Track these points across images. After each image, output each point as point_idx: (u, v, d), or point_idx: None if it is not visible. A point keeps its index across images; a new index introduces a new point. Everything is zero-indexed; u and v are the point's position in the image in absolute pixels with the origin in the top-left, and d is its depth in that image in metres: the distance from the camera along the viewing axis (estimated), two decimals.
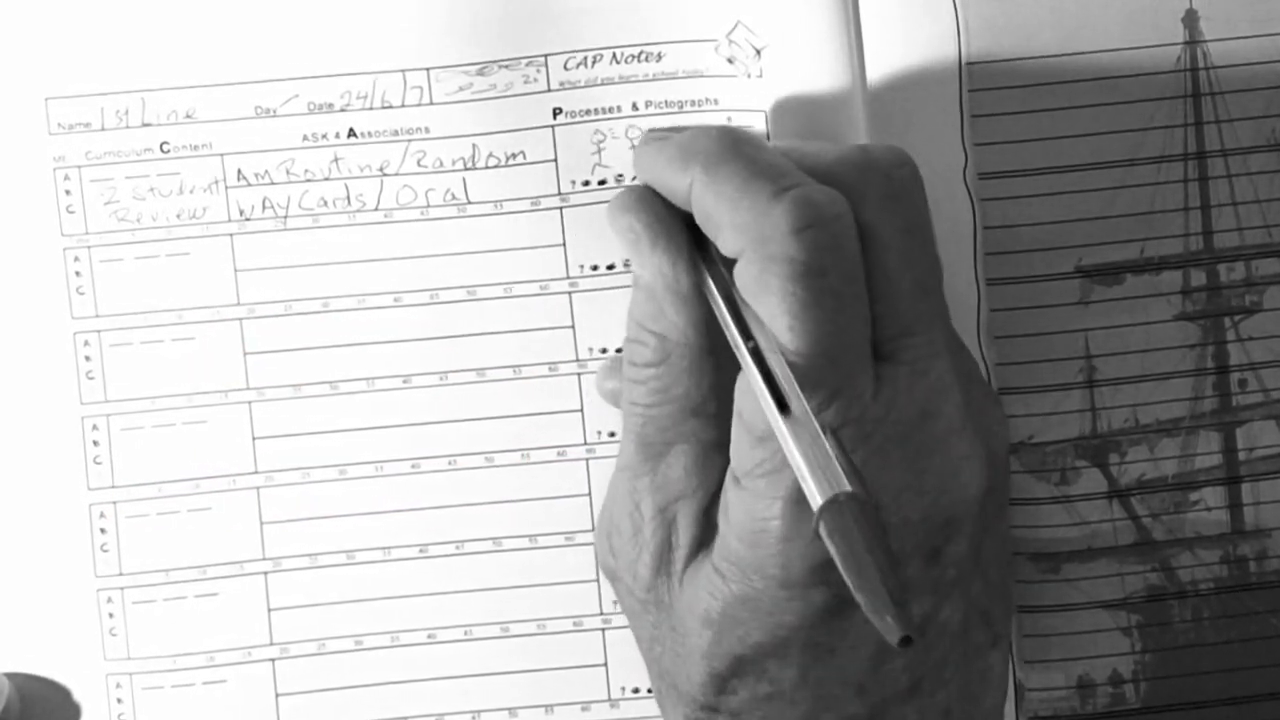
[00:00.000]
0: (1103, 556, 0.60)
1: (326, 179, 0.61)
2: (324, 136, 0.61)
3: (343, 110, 0.61)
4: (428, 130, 0.61)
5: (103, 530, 0.61)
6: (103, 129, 0.61)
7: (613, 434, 0.61)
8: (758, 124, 0.60)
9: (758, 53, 0.60)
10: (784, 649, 0.53)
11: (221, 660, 0.61)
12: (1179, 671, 0.60)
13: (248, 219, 0.61)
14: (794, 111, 0.59)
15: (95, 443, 0.61)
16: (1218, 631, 0.60)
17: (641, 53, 0.60)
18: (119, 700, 0.61)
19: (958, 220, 0.60)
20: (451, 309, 0.61)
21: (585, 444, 0.61)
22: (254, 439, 0.61)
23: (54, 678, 0.61)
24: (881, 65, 0.59)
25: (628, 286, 0.60)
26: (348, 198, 0.61)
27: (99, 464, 0.61)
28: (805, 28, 0.59)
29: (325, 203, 0.61)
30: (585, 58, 0.60)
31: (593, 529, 0.61)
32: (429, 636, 0.61)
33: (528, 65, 0.60)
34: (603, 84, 0.60)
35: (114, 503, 0.61)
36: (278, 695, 0.61)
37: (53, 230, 0.61)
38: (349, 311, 0.61)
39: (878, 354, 0.52)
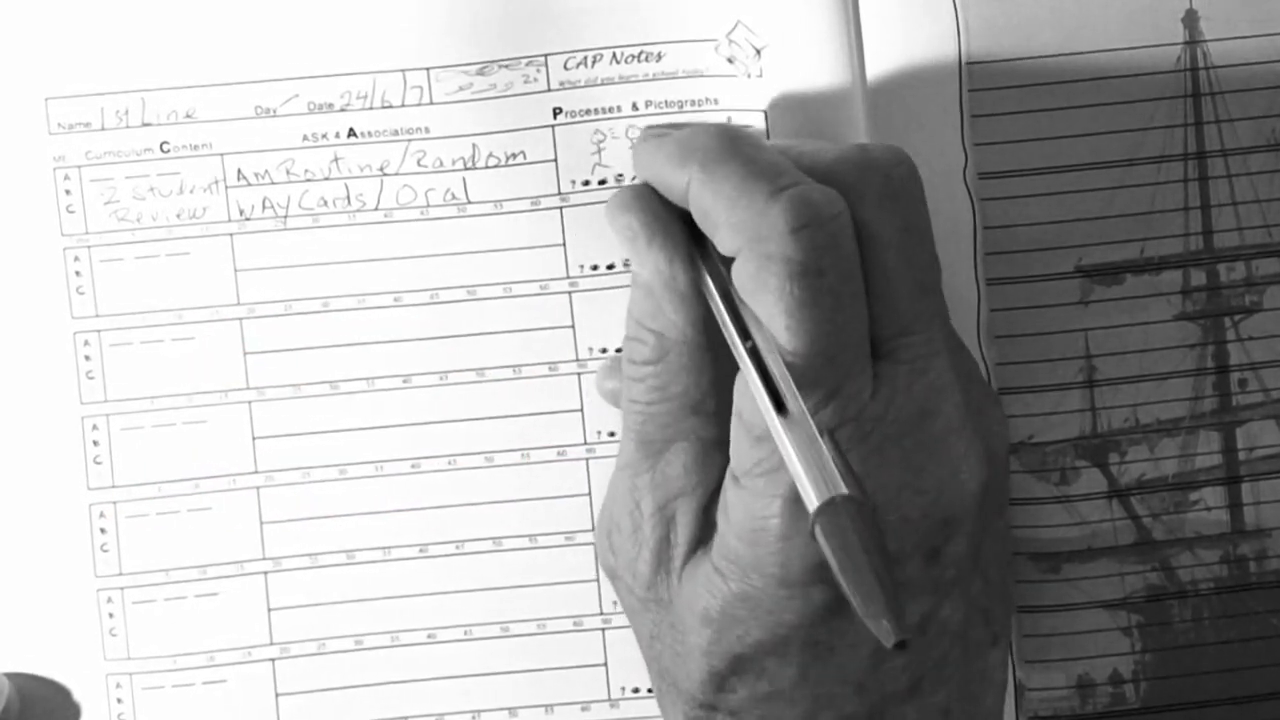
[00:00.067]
0: (1103, 556, 0.60)
1: (326, 179, 0.61)
2: (324, 136, 0.61)
3: (343, 110, 0.61)
4: (428, 130, 0.61)
5: (103, 530, 0.61)
6: (103, 129, 0.61)
7: (613, 434, 0.61)
8: (757, 124, 0.60)
9: (758, 52, 0.60)
10: (783, 647, 0.53)
11: (221, 660, 0.61)
12: (1179, 671, 0.60)
13: (248, 219, 0.61)
14: (794, 111, 0.59)
15: (95, 443, 0.61)
16: (1218, 631, 0.60)
17: (641, 53, 0.60)
18: (119, 700, 0.61)
19: (958, 220, 0.60)
20: (451, 309, 0.61)
21: (585, 444, 0.61)
22: (254, 439, 0.61)
23: (54, 678, 0.61)
24: (881, 65, 0.59)
25: (628, 286, 0.60)
26: (348, 197, 0.61)
27: (99, 464, 0.61)
28: (805, 27, 0.59)
29: (325, 203, 0.61)
30: (585, 58, 0.60)
31: (593, 529, 0.61)
32: (429, 636, 0.61)
33: (528, 65, 0.60)
34: (603, 84, 0.60)
35: (114, 503, 0.61)
36: (278, 695, 0.61)
37: (53, 230, 0.61)
38: (349, 311, 0.61)
39: (876, 353, 0.52)
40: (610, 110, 0.60)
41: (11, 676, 0.61)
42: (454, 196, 0.61)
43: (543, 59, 0.60)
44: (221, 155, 0.61)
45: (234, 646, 0.61)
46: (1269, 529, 0.60)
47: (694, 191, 0.52)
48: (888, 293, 0.52)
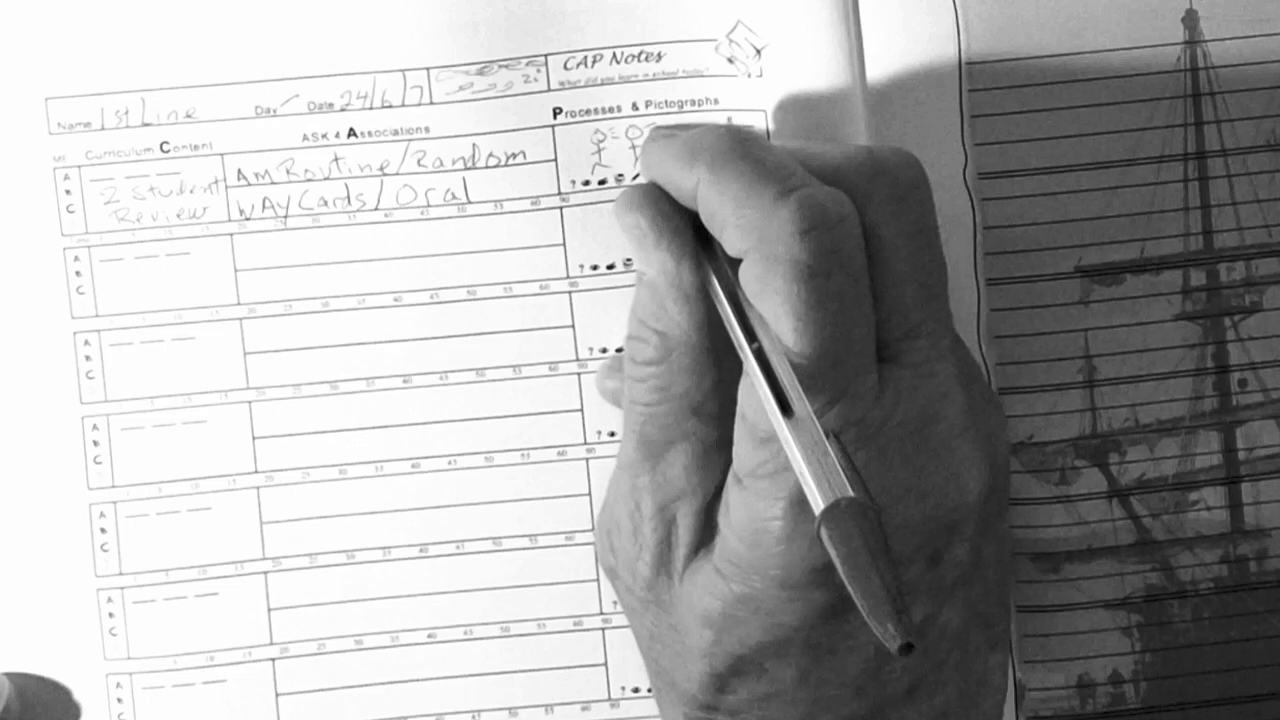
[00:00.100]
0: (1103, 556, 0.60)
1: (326, 179, 0.61)
2: (324, 136, 0.61)
3: (343, 110, 0.61)
4: (428, 130, 0.61)
5: (103, 530, 0.61)
6: (103, 129, 0.61)
7: (613, 434, 0.61)
8: (758, 124, 0.60)
9: (758, 52, 0.60)
10: (784, 649, 0.53)
11: (221, 660, 0.61)
12: (1179, 671, 0.60)
13: (248, 219, 0.61)
14: (794, 111, 0.59)
15: (95, 443, 0.61)
16: (1218, 631, 0.60)
17: (641, 53, 0.60)
18: (119, 700, 0.61)
19: (958, 220, 0.60)
20: (451, 309, 0.61)
21: (585, 444, 0.61)
22: (254, 439, 0.61)
23: (54, 678, 0.61)
24: (882, 65, 0.59)
25: (628, 286, 0.60)
26: (348, 197, 0.61)
27: (99, 464, 0.61)
28: (805, 27, 0.59)
29: (325, 202, 0.61)
30: (585, 58, 0.60)
31: (593, 529, 0.61)
32: (429, 636, 0.61)
33: (528, 65, 0.60)
34: (603, 84, 0.60)
35: (114, 503, 0.61)
36: (278, 695, 0.61)
37: (53, 230, 0.61)
38: (349, 311, 0.61)
39: (882, 356, 0.52)
40: (610, 110, 0.60)
41: (11, 676, 0.61)
42: (454, 196, 0.61)
43: (543, 59, 0.60)
44: (221, 155, 0.61)
45: (234, 646, 0.61)
46: (1269, 529, 0.60)
47: (702, 192, 0.52)
48: (894, 296, 0.52)
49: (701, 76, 0.60)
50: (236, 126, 0.61)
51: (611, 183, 0.60)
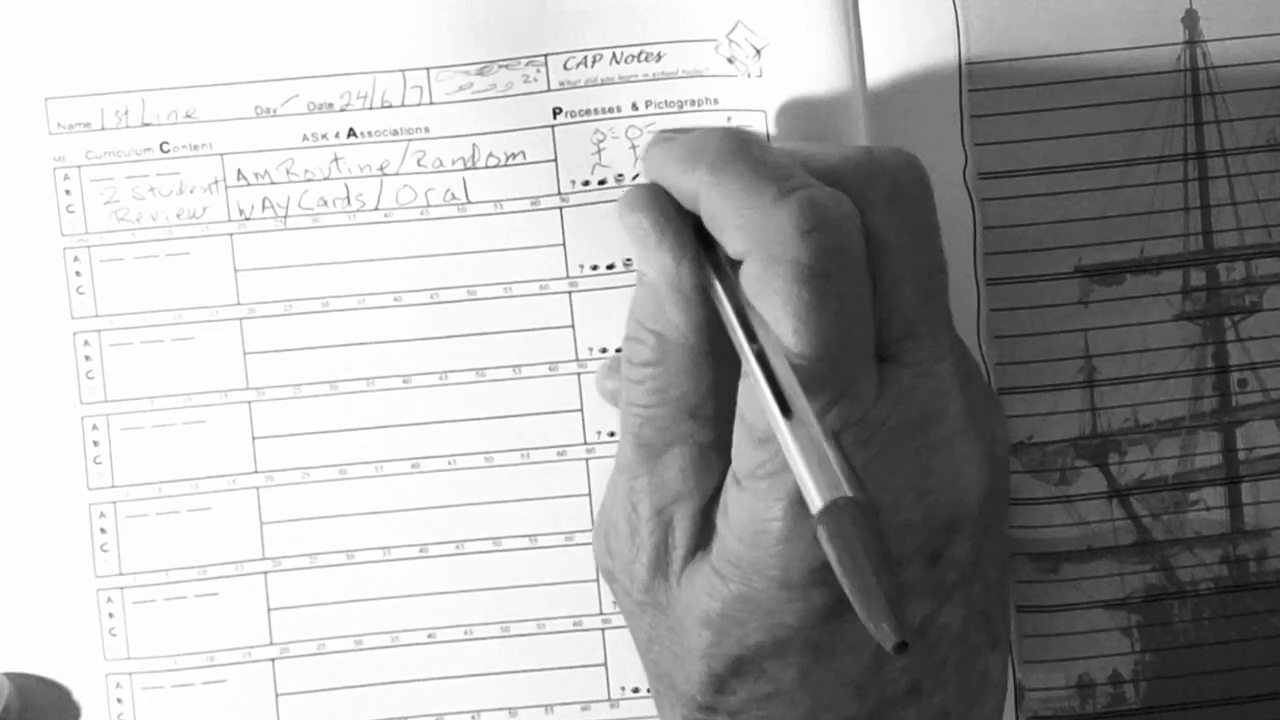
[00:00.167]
0: (1103, 556, 0.60)
1: (326, 179, 0.61)
2: (324, 136, 0.61)
3: (343, 110, 0.61)
4: (428, 130, 0.61)
5: (103, 530, 0.61)
6: (103, 129, 0.61)
7: (612, 434, 0.61)
8: (758, 124, 0.60)
9: (758, 52, 0.60)
10: (783, 649, 0.53)
11: (221, 660, 0.61)
12: (1179, 671, 0.60)
13: (248, 219, 0.61)
14: (794, 111, 0.59)
15: (95, 443, 0.61)
16: (1218, 631, 0.60)
17: (641, 53, 0.60)
18: (119, 700, 0.61)
19: (958, 220, 0.60)
20: (451, 309, 0.61)
21: (585, 444, 0.61)
22: (254, 439, 0.61)
23: (54, 678, 0.61)
24: (882, 65, 0.59)
25: (628, 286, 0.60)
26: (348, 197, 0.61)
27: (99, 464, 0.61)
28: (805, 28, 0.59)
29: (325, 202, 0.61)
30: (585, 58, 0.60)
31: (593, 529, 0.61)
32: (429, 636, 0.61)
33: (528, 65, 0.60)
34: (603, 84, 0.60)
35: (114, 503, 0.61)
36: (278, 695, 0.61)
37: (53, 230, 0.61)
38: (349, 311, 0.61)
39: (881, 356, 0.52)
40: (610, 110, 0.60)
41: (11, 676, 0.61)
42: (454, 196, 0.61)
43: (543, 59, 0.60)
44: (221, 155, 0.61)
45: (234, 646, 0.61)
46: (1269, 529, 0.60)
47: (703, 194, 0.52)
48: (894, 296, 0.52)
49: (701, 76, 0.60)
50: (236, 126, 0.61)
51: (611, 183, 0.60)
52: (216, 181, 0.61)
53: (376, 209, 0.61)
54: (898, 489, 0.52)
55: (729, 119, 0.60)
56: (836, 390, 0.51)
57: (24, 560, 0.61)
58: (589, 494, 0.61)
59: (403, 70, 0.60)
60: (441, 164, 0.61)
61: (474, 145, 0.60)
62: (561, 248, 0.61)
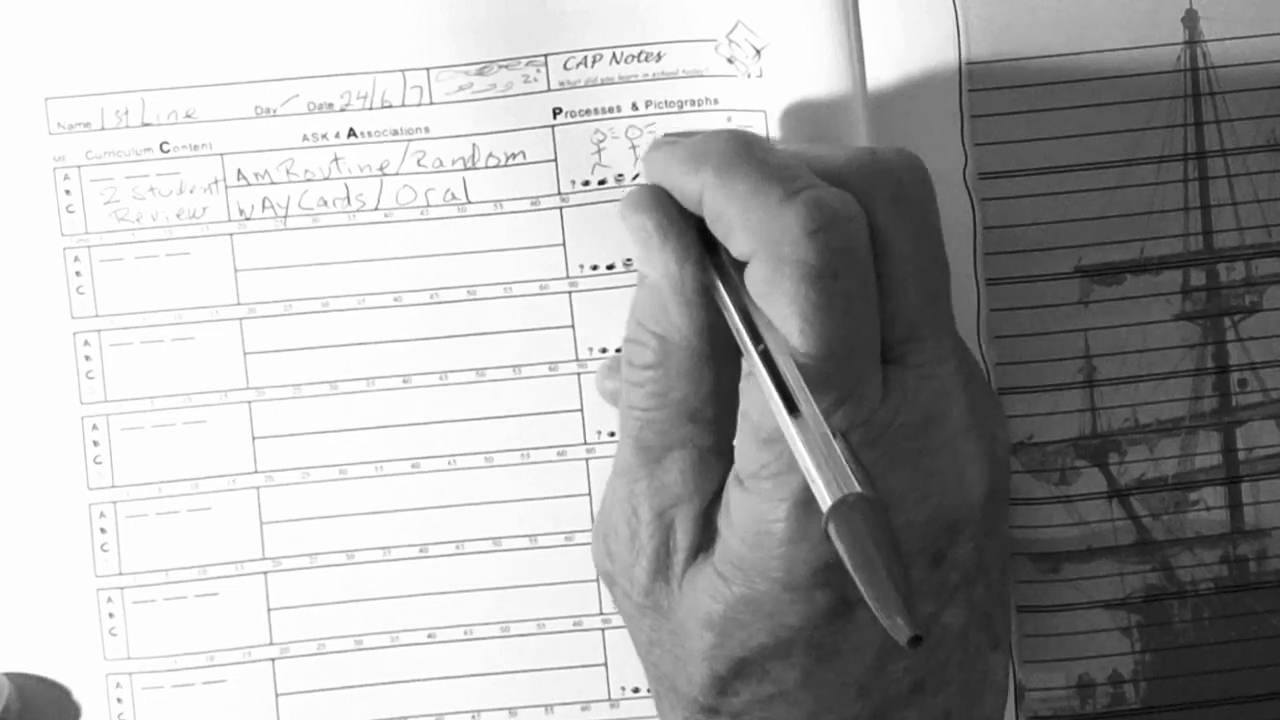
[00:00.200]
0: (1103, 556, 0.60)
1: (326, 179, 0.61)
2: (324, 136, 0.61)
3: (343, 110, 0.61)
4: (428, 130, 0.61)
5: (103, 530, 0.61)
6: (103, 129, 0.61)
7: (612, 434, 0.61)
8: (757, 124, 0.60)
9: (758, 53, 0.60)
10: (787, 650, 0.53)
11: (221, 660, 0.61)
12: (1179, 671, 0.61)
13: (248, 219, 0.61)
14: (794, 111, 0.59)
15: (95, 443, 0.61)
16: (1218, 631, 0.60)
17: (641, 53, 0.60)
18: (119, 700, 0.61)
19: (958, 220, 0.60)
20: (451, 309, 0.61)
21: (585, 444, 0.61)
22: (254, 439, 0.61)
23: (54, 678, 0.61)
24: (882, 65, 0.59)
25: (628, 286, 0.60)
26: (348, 197, 0.61)
27: (99, 464, 0.61)
28: (805, 28, 0.59)
29: (325, 202, 0.61)
30: (585, 58, 0.60)
31: (591, 532, 0.61)
32: (429, 636, 0.61)
33: (528, 65, 0.60)
34: (603, 84, 0.60)
35: (114, 503, 0.61)
36: (278, 695, 0.61)
37: (53, 230, 0.61)
38: (349, 311, 0.61)
39: (885, 357, 0.52)
40: (610, 110, 0.60)
41: (11, 676, 0.61)
42: (454, 196, 0.61)
43: (543, 59, 0.60)
44: (221, 155, 0.61)
45: (234, 646, 0.61)
46: (1269, 529, 0.60)
47: (708, 196, 0.52)
48: (899, 297, 0.52)
49: (701, 77, 0.60)
50: (236, 126, 0.61)
51: (611, 183, 0.60)
52: (216, 181, 0.61)
53: (376, 209, 0.61)
54: (902, 490, 0.52)
55: (729, 119, 0.60)
56: (842, 391, 0.51)
57: (24, 560, 0.61)
58: (589, 494, 0.61)
59: (403, 70, 0.60)
60: (441, 164, 0.61)
61: (474, 145, 0.60)
62: (561, 248, 0.61)
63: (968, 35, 0.59)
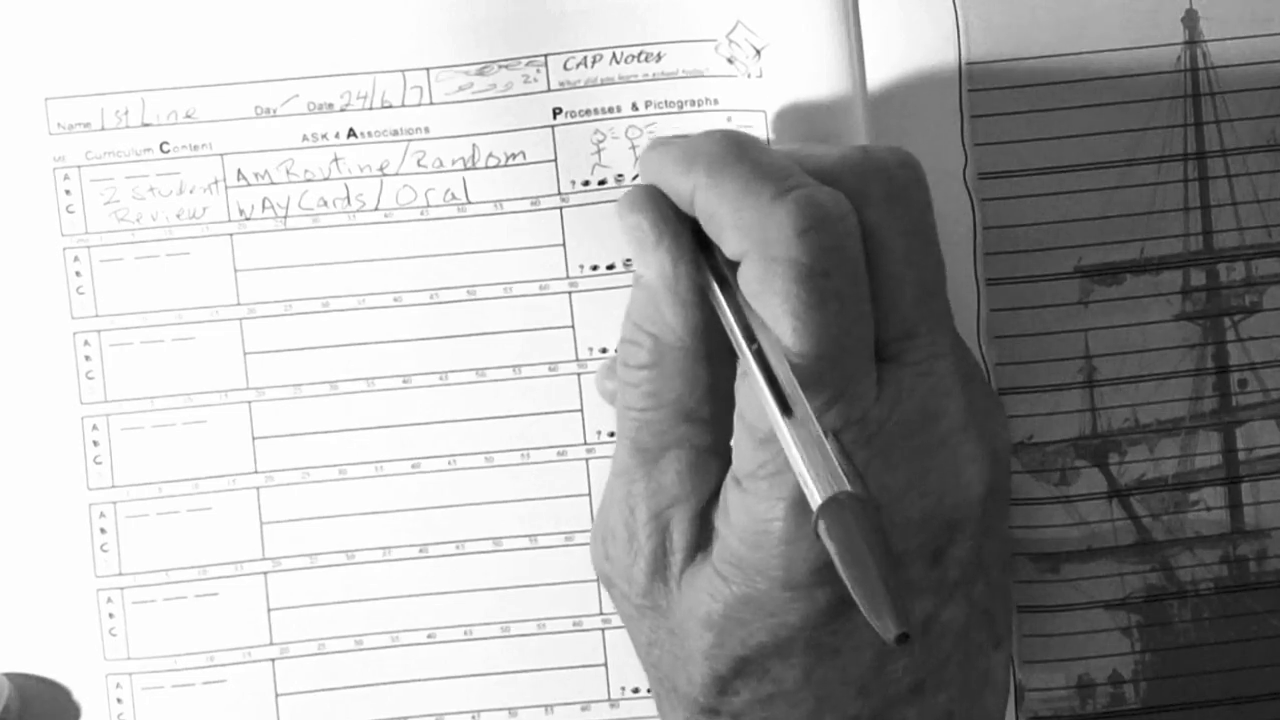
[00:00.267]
0: (1103, 556, 0.60)
1: (326, 179, 0.61)
2: (324, 136, 0.61)
3: (343, 110, 0.61)
4: (428, 130, 0.61)
5: (103, 530, 0.61)
6: (103, 129, 0.61)
7: (612, 434, 0.61)
8: (757, 124, 0.60)
9: (758, 53, 0.60)
10: (787, 649, 0.53)
11: (221, 660, 0.61)
12: (1179, 671, 0.61)
13: (248, 219, 0.61)
14: (794, 112, 0.59)
15: (95, 443, 0.61)
16: (1218, 631, 0.60)
17: (641, 53, 0.60)
18: (119, 700, 0.61)
19: (958, 220, 0.60)
20: (451, 309, 0.61)
21: (585, 444, 0.61)
22: (254, 439, 0.61)
23: (54, 678, 0.61)
24: (882, 65, 0.59)
25: (628, 287, 0.60)
26: (348, 198, 0.61)
27: (99, 464, 0.61)
28: (805, 28, 0.59)
29: (325, 203, 0.61)
30: (585, 58, 0.60)
31: (590, 534, 0.61)
32: (429, 636, 0.61)
33: (528, 65, 0.60)
34: (603, 84, 0.60)
35: (114, 503, 0.61)
36: (278, 695, 0.61)
37: (53, 230, 0.61)
38: (349, 311, 0.61)
39: (881, 355, 0.52)
40: (610, 110, 0.60)
41: (11, 676, 0.61)
42: (454, 196, 0.61)
43: (543, 59, 0.60)
44: (221, 155, 0.61)
45: (234, 646, 0.61)
46: (1269, 529, 0.60)
47: (700, 196, 0.52)
48: (893, 295, 0.52)
49: (701, 77, 0.60)
50: (236, 126, 0.61)
51: (611, 183, 0.60)
52: (216, 181, 0.61)
53: (376, 209, 0.61)
54: (899, 487, 0.52)
55: (729, 119, 0.60)
56: (836, 389, 0.51)
57: (24, 560, 0.61)
58: (589, 494, 0.61)
59: (403, 70, 0.60)
60: (441, 164, 0.61)
61: (474, 145, 0.60)
62: (561, 248, 0.61)
63: (968, 35, 0.59)
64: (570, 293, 0.61)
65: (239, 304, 0.61)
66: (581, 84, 0.60)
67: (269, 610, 0.61)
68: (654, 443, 0.54)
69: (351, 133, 0.61)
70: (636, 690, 0.61)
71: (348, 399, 0.61)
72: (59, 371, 0.61)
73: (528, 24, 0.60)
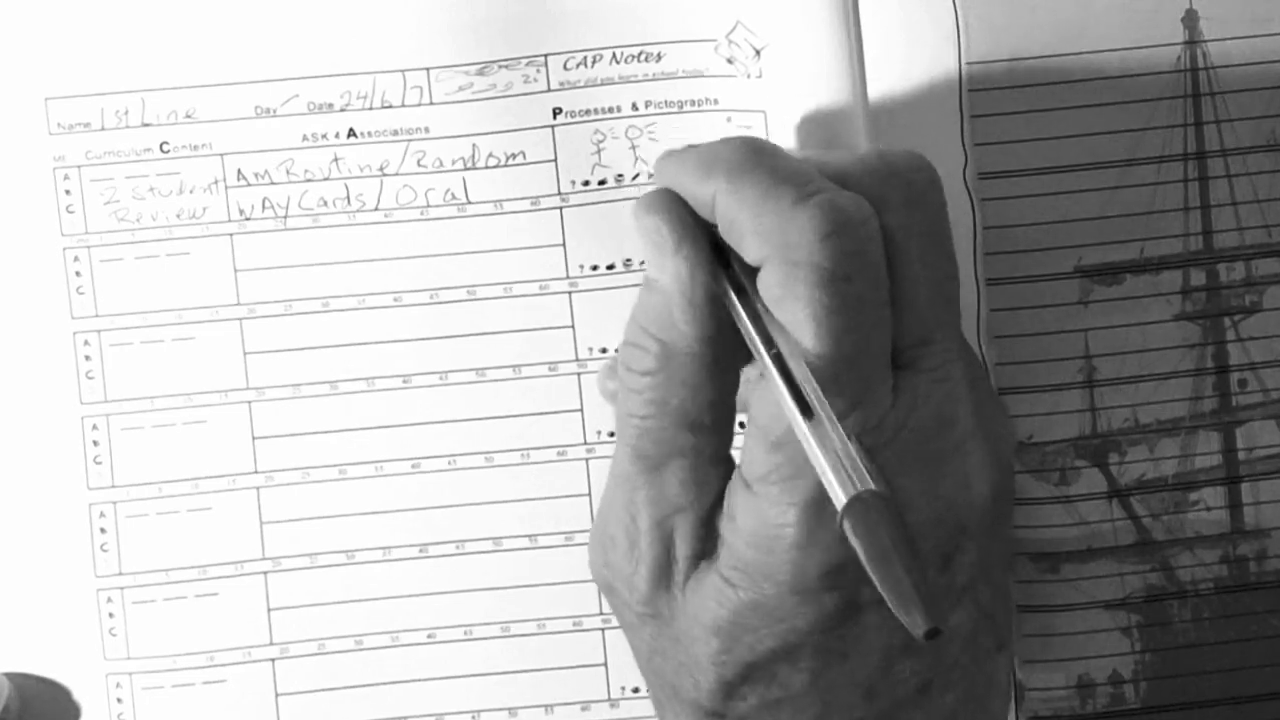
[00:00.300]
0: (1103, 556, 0.60)
1: (326, 179, 0.61)
2: (324, 136, 0.61)
3: (343, 110, 0.61)
4: (428, 130, 0.61)
5: (103, 530, 0.61)
6: (103, 129, 0.61)
7: (612, 434, 0.61)
8: (757, 124, 0.60)
9: (757, 53, 0.60)
10: (795, 654, 0.53)
11: (221, 660, 0.61)
12: (1179, 671, 0.61)
13: (248, 219, 0.61)
14: (793, 112, 0.59)
15: (95, 443, 0.61)
16: (1218, 631, 0.60)
17: (641, 53, 0.60)
18: (119, 700, 0.61)
19: (958, 220, 0.59)
20: (451, 309, 0.61)
21: (585, 444, 0.61)
22: (254, 439, 0.61)
23: (54, 678, 0.61)
24: (882, 66, 0.59)
25: (628, 287, 0.60)
26: (348, 198, 0.61)
27: (99, 464, 0.61)
28: (805, 28, 0.59)
29: (325, 203, 0.61)
30: (585, 58, 0.60)
31: (588, 540, 0.60)
32: (429, 636, 0.61)
33: (528, 65, 0.60)
34: (603, 84, 0.60)
35: (114, 503, 0.61)
36: (278, 695, 0.61)
37: (53, 230, 0.61)
38: (349, 311, 0.61)
39: (896, 361, 0.52)
40: (610, 110, 0.60)
41: (11, 676, 0.61)
42: (454, 196, 0.61)
43: (543, 59, 0.60)
44: (221, 155, 0.61)
45: (234, 646, 0.61)
46: (1269, 529, 0.60)
47: (720, 202, 0.52)
48: (910, 300, 0.52)
49: (701, 77, 0.60)
50: (236, 126, 0.61)
51: (611, 183, 0.60)
52: (216, 181, 0.61)
53: (376, 209, 0.61)
54: (912, 493, 0.52)
55: (729, 119, 0.60)
56: (854, 394, 0.51)
57: (24, 560, 0.61)
58: (589, 494, 0.61)
59: (403, 70, 0.60)
60: (441, 164, 0.61)
61: (474, 145, 0.60)
62: (561, 248, 0.61)
63: (968, 35, 0.59)
64: (570, 293, 0.61)
65: (239, 304, 0.61)
66: (581, 84, 0.60)
67: (269, 610, 0.61)
68: (655, 450, 0.54)
69: (351, 133, 0.61)
70: (636, 690, 0.61)
71: (348, 399, 0.61)
72: (59, 371, 0.61)
73: (528, 24, 0.60)
